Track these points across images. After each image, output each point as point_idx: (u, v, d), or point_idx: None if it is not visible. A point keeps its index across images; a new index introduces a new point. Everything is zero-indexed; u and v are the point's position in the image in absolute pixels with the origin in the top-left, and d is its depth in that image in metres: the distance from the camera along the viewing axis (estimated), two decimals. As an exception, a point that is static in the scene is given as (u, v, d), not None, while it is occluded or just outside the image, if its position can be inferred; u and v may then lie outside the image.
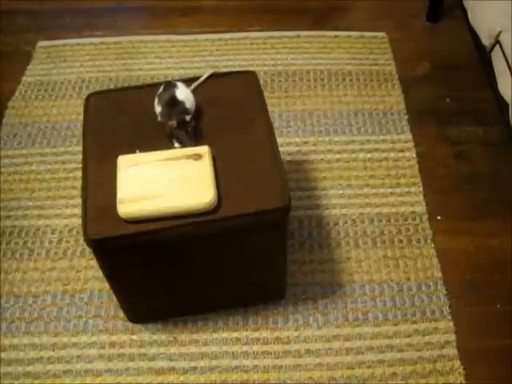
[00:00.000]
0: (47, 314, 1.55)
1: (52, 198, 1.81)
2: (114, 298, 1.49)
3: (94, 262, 1.55)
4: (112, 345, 1.49)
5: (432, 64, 2.23)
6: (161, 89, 1.40)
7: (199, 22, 2.43)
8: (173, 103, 1.36)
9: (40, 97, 2.12)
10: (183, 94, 1.39)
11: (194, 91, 1.43)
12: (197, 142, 1.34)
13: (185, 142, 1.33)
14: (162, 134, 1.36)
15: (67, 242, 1.70)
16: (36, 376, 1.44)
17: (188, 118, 1.33)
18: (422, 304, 1.55)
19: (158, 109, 1.38)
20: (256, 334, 1.50)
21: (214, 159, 1.30)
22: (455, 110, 2.05)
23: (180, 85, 1.40)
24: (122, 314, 1.52)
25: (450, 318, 1.52)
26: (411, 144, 1.93)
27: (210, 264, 1.37)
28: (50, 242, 1.70)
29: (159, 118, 1.38)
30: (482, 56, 1.90)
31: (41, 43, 2.33)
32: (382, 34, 2.34)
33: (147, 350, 1.48)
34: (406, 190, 1.81)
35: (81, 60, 2.26)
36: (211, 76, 1.51)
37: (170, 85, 1.40)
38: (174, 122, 1.31)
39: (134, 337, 1.50)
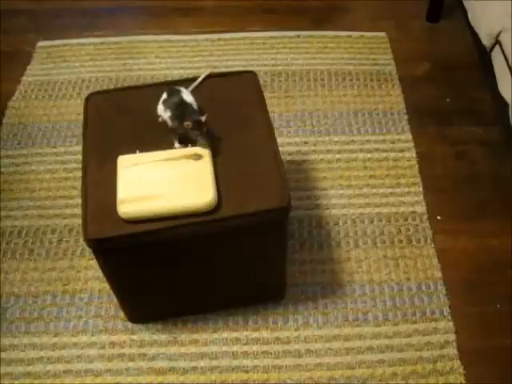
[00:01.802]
0: (47, 313, 1.55)
1: (52, 198, 1.81)
2: (114, 298, 1.49)
3: (94, 262, 1.55)
4: (112, 345, 1.49)
5: (432, 64, 2.23)
6: (165, 95, 1.38)
7: (199, 22, 2.43)
8: (183, 106, 1.35)
9: (40, 97, 2.12)
10: (188, 97, 1.38)
11: (192, 92, 1.43)
12: (212, 141, 1.33)
13: (201, 143, 1.32)
14: (163, 134, 1.36)
15: (67, 242, 1.70)
16: (36, 376, 1.44)
17: (203, 118, 1.31)
18: (422, 304, 1.55)
19: (166, 114, 1.36)
20: (256, 334, 1.50)
21: (214, 159, 1.31)
22: (455, 110, 2.05)
23: (183, 89, 1.40)
24: (122, 314, 1.52)
25: (449, 318, 1.52)
26: (411, 144, 1.93)
27: (209, 264, 1.37)
28: (50, 242, 1.70)
29: (170, 123, 1.36)
30: (481, 56, 1.89)
31: (41, 43, 2.33)
32: (382, 34, 2.34)
33: (147, 350, 1.48)
34: (406, 190, 1.81)
35: (81, 60, 2.26)
36: (208, 77, 1.51)
37: (174, 90, 1.39)
38: (189, 123, 1.30)
39: (134, 337, 1.50)
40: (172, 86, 1.42)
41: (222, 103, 1.45)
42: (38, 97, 2.12)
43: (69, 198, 1.80)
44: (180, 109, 1.35)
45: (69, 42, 2.33)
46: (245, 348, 1.48)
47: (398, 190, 1.81)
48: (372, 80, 2.16)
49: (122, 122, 1.42)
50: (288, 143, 1.94)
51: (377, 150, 1.92)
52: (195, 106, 1.37)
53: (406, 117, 2.02)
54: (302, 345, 1.48)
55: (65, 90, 2.15)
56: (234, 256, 1.37)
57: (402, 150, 1.92)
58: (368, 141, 1.95)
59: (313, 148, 1.93)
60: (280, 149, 1.37)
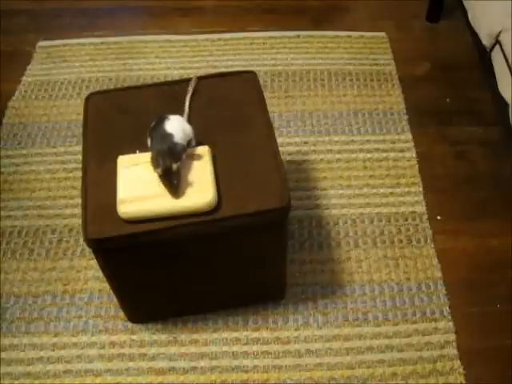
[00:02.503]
0: (47, 313, 1.55)
1: (52, 198, 1.81)
2: (114, 298, 1.49)
3: (94, 262, 1.55)
4: (112, 345, 1.49)
5: (432, 64, 2.23)
6: (153, 123, 1.30)
7: (199, 22, 2.43)
8: (162, 147, 1.24)
9: (40, 97, 2.12)
10: (175, 128, 1.27)
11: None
12: (180, 191, 1.23)
13: (169, 188, 1.22)
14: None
15: (67, 242, 1.70)
16: (36, 376, 1.44)
17: (175, 166, 1.21)
18: (422, 304, 1.55)
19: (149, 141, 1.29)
20: (256, 334, 1.50)
21: (214, 159, 1.31)
22: (455, 110, 2.05)
23: (171, 117, 1.29)
24: (122, 313, 1.52)
25: (449, 318, 1.52)
26: (411, 144, 1.93)
27: (209, 264, 1.37)
28: (50, 242, 1.70)
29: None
30: (481, 56, 1.89)
31: (41, 43, 2.33)
32: (382, 34, 2.34)
33: (147, 350, 1.48)
34: (406, 189, 1.81)
35: (81, 60, 2.26)
36: (200, 78, 1.49)
37: (162, 119, 1.29)
38: (159, 170, 1.20)
39: (134, 337, 1.50)
40: (163, 115, 1.30)
41: (222, 103, 1.45)
42: (38, 97, 2.12)
43: (69, 198, 1.80)
44: (158, 149, 1.24)
45: (69, 42, 2.33)
46: (245, 348, 1.48)
47: (398, 189, 1.81)
48: (372, 80, 2.16)
49: (122, 122, 1.42)
50: (288, 143, 1.94)
51: (377, 150, 1.92)
52: (178, 139, 1.25)
53: (406, 117, 2.02)
54: (302, 345, 1.48)
55: (65, 90, 2.15)
56: (234, 256, 1.37)
57: (401, 150, 1.92)
58: (368, 141, 1.95)
59: (313, 148, 1.93)
60: (280, 149, 1.37)
